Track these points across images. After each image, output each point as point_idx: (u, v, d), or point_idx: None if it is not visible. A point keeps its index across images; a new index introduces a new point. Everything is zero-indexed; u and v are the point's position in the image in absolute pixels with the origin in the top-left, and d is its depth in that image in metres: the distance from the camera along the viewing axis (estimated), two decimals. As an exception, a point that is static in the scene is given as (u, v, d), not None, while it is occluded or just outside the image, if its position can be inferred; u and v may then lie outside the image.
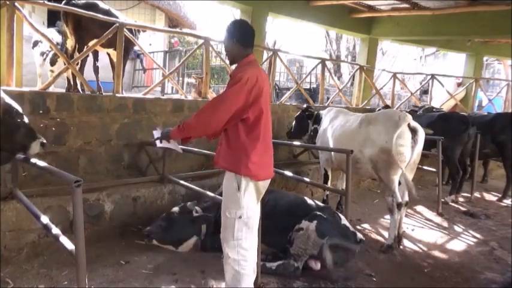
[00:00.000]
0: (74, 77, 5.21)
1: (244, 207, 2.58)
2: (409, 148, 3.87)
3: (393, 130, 3.88)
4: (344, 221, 3.73)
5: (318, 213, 3.66)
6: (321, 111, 5.27)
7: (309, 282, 3.33)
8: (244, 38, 2.60)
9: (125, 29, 4.90)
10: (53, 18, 7.03)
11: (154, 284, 3.16)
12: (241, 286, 2.62)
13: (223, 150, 2.62)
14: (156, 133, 2.77)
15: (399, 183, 4.06)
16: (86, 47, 5.04)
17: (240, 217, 2.57)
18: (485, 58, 12.98)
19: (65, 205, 3.64)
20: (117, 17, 5.24)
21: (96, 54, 5.77)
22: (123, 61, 5.60)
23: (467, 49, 11.11)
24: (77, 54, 5.04)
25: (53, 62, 6.41)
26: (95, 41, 4.92)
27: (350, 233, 3.69)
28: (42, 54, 6.51)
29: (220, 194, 3.87)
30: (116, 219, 4.04)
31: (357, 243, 3.70)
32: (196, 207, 3.94)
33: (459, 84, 11.67)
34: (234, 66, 2.71)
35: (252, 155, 2.54)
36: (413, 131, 3.89)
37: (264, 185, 2.70)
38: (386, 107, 7.67)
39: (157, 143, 2.73)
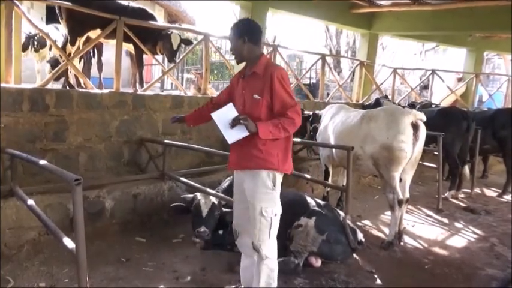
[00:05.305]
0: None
1: (278, 204, 2.62)
2: (410, 145, 3.85)
3: (394, 126, 3.86)
4: (343, 217, 3.72)
5: (317, 209, 3.66)
6: (317, 111, 5.25)
7: (310, 279, 3.33)
8: (255, 36, 2.59)
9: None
10: (51, 14, 6.99)
11: (155, 282, 3.16)
12: (274, 283, 2.65)
13: (251, 151, 2.53)
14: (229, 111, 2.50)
15: (400, 180, 4.05)
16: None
17: (276, 214, 2.60)
18: (485, 53, 12.94)
19: (65, 203, 3.62)
20: (119, 4, 5.19)
21: (99, 50, 5.73)
22: (141, 57, 5.56)
23: (467, 44, 11.09)
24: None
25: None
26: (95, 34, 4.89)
27: (349, 229, 3.70)
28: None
29: (224, 192, 3.83)
30: (116, 216, 4.03)
31: (356, 240, 3.70)
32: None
33: (459, 80, 11.65)
34: (240, 65, 2.70)
35: (288, 150, 2.63)
36: (415, 127, 3.87)
37: None
38: (385, 97, 7.64)
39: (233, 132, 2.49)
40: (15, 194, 3.37)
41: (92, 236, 3.63)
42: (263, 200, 2.56)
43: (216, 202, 3.61)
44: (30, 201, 3.04)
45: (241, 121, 2.42)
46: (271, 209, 2.57)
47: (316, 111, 5.25)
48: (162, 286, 3.11)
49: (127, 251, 3.65)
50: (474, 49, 11.39)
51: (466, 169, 6.20)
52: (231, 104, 2.57)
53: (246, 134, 2.45)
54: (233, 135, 2.49)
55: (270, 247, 2.61)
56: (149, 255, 3.59)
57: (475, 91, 10.94)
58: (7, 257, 3.30)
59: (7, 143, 3.76)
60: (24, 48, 6.06)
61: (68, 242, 2.40)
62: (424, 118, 3.94)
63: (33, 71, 6.62)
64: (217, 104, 2.86)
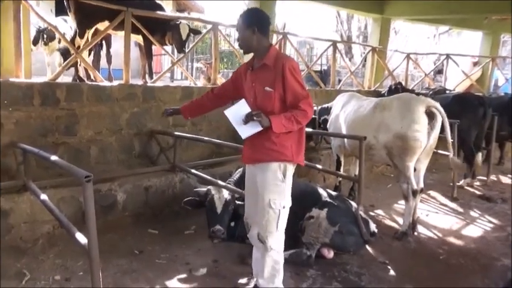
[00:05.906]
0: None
1: (287, 196, 2.61)
2: (425, 134, 3.77)
3: (409, 115, 3.77)
4: (356, 208, 3.67)
5: (329, 200, 3.62)
6: (324, 105, 5.16)
7: (322, 271, 3.31)
8: (264, 26, 2.55)
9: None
10: (60, 6, 6.98)
11: (168, 274, 3.18)
12: (279, 275, 2.67)
13: (265, 144, 2.52)
14: (241, 106, 2.50)
15: (414, 170, 3.97)
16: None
17: (284, 207, 2.60)
18: (502, 35, 12.56)
19: (78, 196, 3.65)
20: None
21: (108, 42, 5.71)
22: (150, 48, 5.53)
23: (483, 27, 10.76)
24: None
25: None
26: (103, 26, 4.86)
27: (362, 220, 3.65)
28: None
29: (236, 184, 3.79)
30: (128, 208, 4.05)
31: (369, 231, 3.65)
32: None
33: (475, 64, 11.35)
34: (248, 55, 2.68)
35: (301, 142, 2.62)
36: (430, 116, 3.78)
37: None
38: (399, 84, 7.48)
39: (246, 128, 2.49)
40: (28, 189, 3.41)
41: (104, 229, 3.65)
42: (272, 191, 2.56)
43: (229, 197, 3.56)
44: (43, 196, 3.07)
45: (255, 117, 2.41)
46: (280, 201, 2.57)
47: (325, 105, 5.18)
48: (176, 279, 3.13)
49: (139, 243, 3.68)
50: (490, 32, 11.05)
51: (479, 156, 6.08)
52: (243, 100, 2.55)
53: (260, 129, 2.45)
54: (246, 131, 2.51)
55: (276, 239, 2.61)
56: (162, 248, 3.61)
57: (491, 75, 10.66)
58: (23, 250, 3.35)
59: (19, 138, 3.79)
60: (35, 41, 6.09)
61: (81, 237, 2.40)
62: (441, 109, 3.84)
63: (43, 64, 6.64)
64: (219, 95, 2.84)
